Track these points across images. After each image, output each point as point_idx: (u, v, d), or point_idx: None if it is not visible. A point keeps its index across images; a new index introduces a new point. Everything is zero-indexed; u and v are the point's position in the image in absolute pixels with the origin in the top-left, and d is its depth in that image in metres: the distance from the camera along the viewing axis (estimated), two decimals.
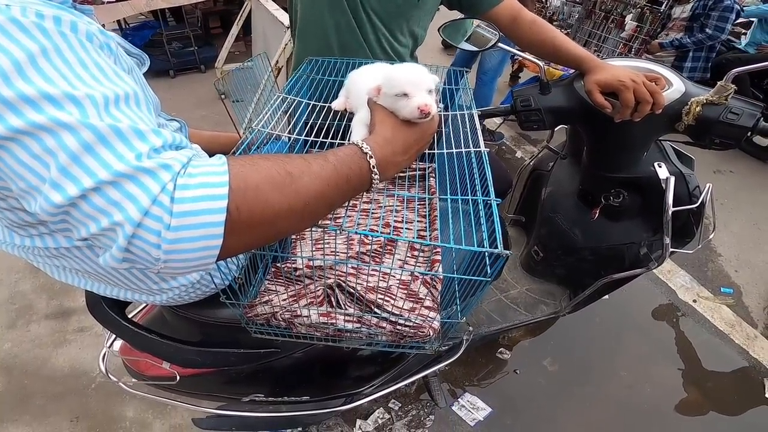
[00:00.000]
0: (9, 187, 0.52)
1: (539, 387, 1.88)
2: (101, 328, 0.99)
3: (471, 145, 0.83)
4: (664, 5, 3.34)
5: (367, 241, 0.91)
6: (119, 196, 0.47)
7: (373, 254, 0.91)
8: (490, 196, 0.69)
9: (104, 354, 1.20)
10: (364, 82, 0.83)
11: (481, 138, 0.84)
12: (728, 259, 2.71)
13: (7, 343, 2.02)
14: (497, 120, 3.86)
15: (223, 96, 0.96)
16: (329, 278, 0.88)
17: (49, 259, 0.77)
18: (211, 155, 0.57)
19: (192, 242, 0.49)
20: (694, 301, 2.38)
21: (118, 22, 5.18)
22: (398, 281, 0.90)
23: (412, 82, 0.69)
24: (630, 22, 3.40)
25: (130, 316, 1.01)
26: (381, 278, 0.88)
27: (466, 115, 0.92)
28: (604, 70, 1.14)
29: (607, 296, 1.55)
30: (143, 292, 0.86)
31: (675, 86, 1.15)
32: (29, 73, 0.47)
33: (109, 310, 0.95)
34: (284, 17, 2.42)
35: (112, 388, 1.36)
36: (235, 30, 3.79)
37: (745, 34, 4.59)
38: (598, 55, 3.69)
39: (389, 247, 0.91)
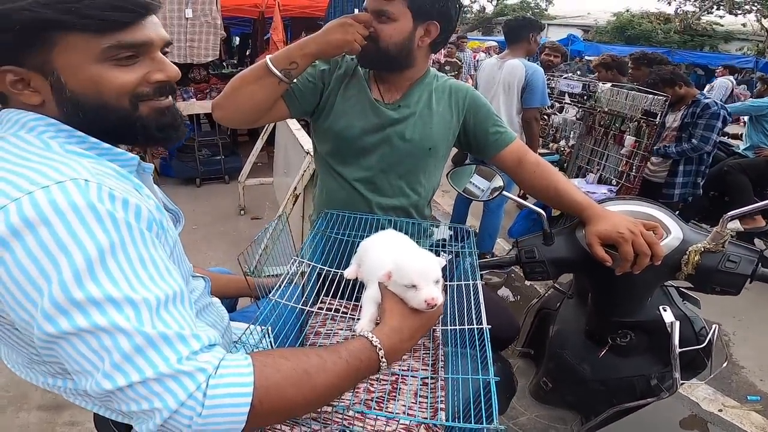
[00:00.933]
0: (63, 365, 0.60)
1: None
2: (92, 425, 1.01)
3: (474, 320, 0.88)
4: (659, 116, 3.31)
5: (372, 389, 0.95)
6: (161, 389, 0.55)
7: (378, 400, 0.95)
8: (489, 375, 0.74)
9: None
10: (375, 257, 0.91)
11: (483, 314, 0.88)
12: (752, 371, 2.64)
13: None
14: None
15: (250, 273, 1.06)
16: (335, 423, 0.91)
17: (74, 395, 0.81)
18: (225, 298, 0.66)
19: (219, 425, 0.57)
20: (720, 410, 2.28)
21: None
22: (404, 427, 0.92)
23: (421, 274, 0.76)
24: (629, 138, 3.48)
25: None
26: (386, 423, 0.90)
27: (471, 286, 0.98)
28: (604, 219, 1.16)
29: None
30: None
31: (673, 233, 1.17)
32: (98, 273, 0.55)
33: (115, 429, 0.98)
34: (305, 139, 2.62)
35: None
36: (259, 144, 4.08)
37: (741, 137, 4.55)
38: (601, 175, 3.72)
39: (393, 394, 0.95)
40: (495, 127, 1.39)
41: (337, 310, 1.09)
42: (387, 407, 0.94)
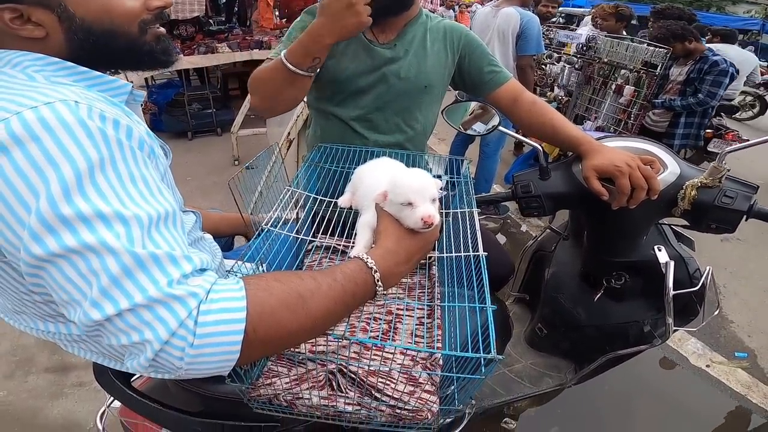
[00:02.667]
0: (52, 304, 0.58)
1: None
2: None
3: (471, 248, 0.85)
4: (659, 68, 3.35)
5: (369, 328, 0.94)
6: (151, 317, 0.53)
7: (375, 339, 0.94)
8: (486, 304, 0.72)
9: (103, 412, 1.21)
10: (371, 182, 0.88)
11: (480, 241, 0.86)
12: (741, 326, 2.68)
13: (2, 392, 2.02)
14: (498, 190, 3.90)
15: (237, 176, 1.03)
16: (331, 362, 0.90)
17: (68, 342, 0.81)
18: (218, 236, 0.63)
19: (212, 356, 0.55)
20: (707, 366, 2.35)
21: (146, 79, 5.45)
22: (399, 365, 0.92)
23: (417, 192, 0.74)
24: (628, 87, 3.46)
25: (135, 377, 1.03)
26: (382, 362, 0.90)
27: (467, 213, 0.95)
28: (601, 154, 1.15)
29: None
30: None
31: (670, 168, 1.16)
32: (87, 188, 0.53)
33: (115, 380, 0.97)
34: None
35: None
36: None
37: None
38: (599, 124, 3.71)
39: (390, 334, 0.94)
40: (490, 66, 1.38)
41: (335, 250, 1.07)
42: (384, 347, 0.94)
